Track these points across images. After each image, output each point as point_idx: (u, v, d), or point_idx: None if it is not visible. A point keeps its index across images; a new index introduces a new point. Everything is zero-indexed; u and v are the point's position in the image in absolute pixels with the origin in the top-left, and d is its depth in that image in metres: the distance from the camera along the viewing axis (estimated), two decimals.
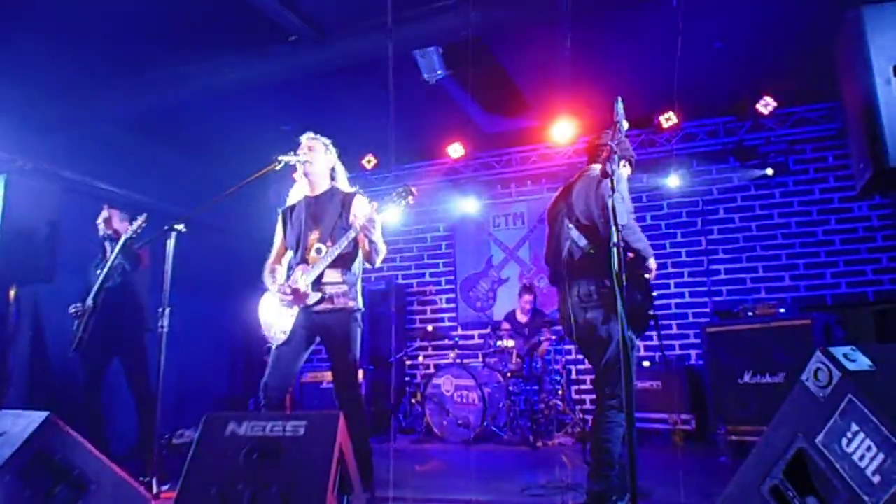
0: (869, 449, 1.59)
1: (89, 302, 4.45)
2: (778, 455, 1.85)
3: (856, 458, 1.62)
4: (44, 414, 2.70)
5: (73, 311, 4.54)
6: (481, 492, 3.67)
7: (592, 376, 7.15)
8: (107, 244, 4.70)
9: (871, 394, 1.62)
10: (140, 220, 4.33)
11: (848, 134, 3.53)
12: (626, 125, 2.70)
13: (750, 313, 4.97)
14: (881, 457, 1.55)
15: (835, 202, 6.90)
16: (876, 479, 1.56)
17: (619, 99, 2.65)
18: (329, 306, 3.41)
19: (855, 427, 1.63)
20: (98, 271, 4.53)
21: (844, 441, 1.65)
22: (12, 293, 5.11)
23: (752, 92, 6.62)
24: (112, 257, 4.43)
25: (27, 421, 2.70)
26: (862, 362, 1.70)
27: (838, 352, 1.73)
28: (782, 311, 4.87)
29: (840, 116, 6.58)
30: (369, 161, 7.66)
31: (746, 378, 4.68)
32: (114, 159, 6.67)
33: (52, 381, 5.70)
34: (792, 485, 1.81)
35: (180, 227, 3.54)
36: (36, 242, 4.92)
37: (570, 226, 3.19)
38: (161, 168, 7.17)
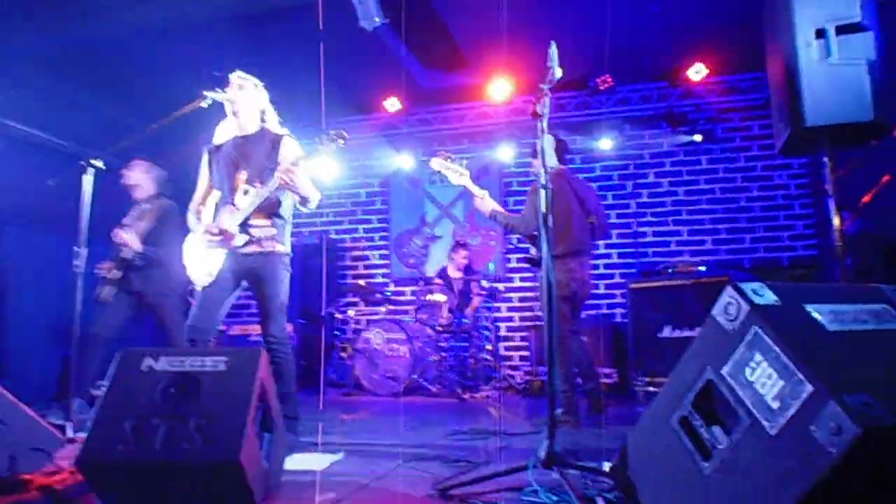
0: (770, 377, 1.67)
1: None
2: (687, 387, 1.93)
3: (758, 386, 1.70)
4: None
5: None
6: (408, 437, 3.71)
7: (522, 333, 7.30)
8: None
9: (775, 326, 1.70)
10: None
11: (771, 95, 3.65)
12: (559, 72, 2.70)
13: (671, 270, 5.16)
14: (781, 383, 1.64)
15: (757, 170, 7.17)
16: (775, 404, 1.65)
17: (553, 44, 2.65)
18: (257, 249, 3.34)
19: (759, 357, 1.71)
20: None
21: (748, 371, 1.74)
22: None
23: (685, 59, 6.77)
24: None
25: None
26: (769, 297, 1.79)
27: (747, 287, 1.81)
28: (702, 268, 5.07)
29: (766, 87, 6.81)
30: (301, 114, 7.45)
31: (666, 332, 4.88)
32: (30, 101, 6.27)
33: None
34: (700, 415, 1.89)
35: (98, 163, 3.38)
36: None
37: (588, 212, 4.26)
38: (82, 112, 6.79)
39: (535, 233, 3.99)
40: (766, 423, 1.67)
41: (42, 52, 5.77)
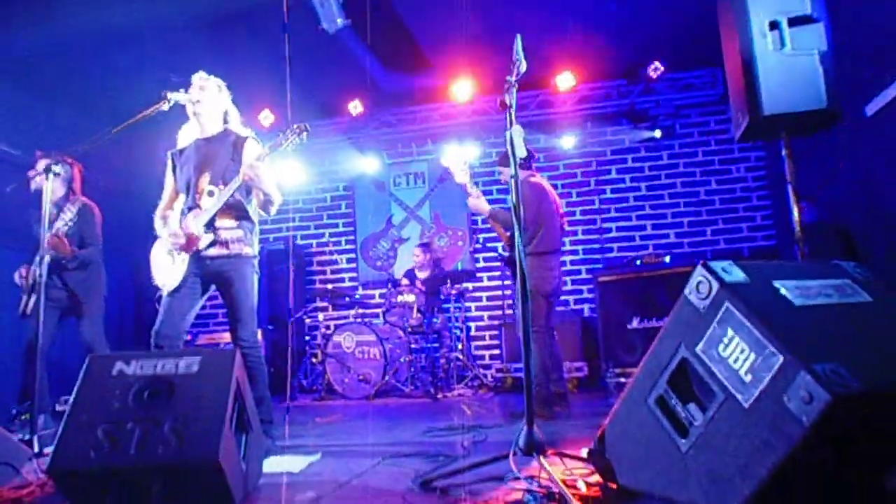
0: (742, 351, 1.72)
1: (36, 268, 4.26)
2: (662, 367, 1.97)
3: (731, 360, 1.74)
4: None
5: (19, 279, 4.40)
6: (385, 437, 3.70)
7: (492, 332, 7.34)
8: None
9: (746, 301, 1.75)
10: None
11: (728, 87, 3.75)
12: (524, 65, 2.73)
13: (638, 262, 5.25)
14: (752, 356, 1.68)
15: (715, 164, 7.34)
16: (748, 377, 1.69)
17: (519, 37, 2.68)
18: (224, 251, 3.29)
19: (731, 332, 1.76)
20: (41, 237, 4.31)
21: (721, 346, 1.78)
22: None
23: (644, 56, 6.89)
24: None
25: None
26: (738, 275, 1.83)
27: (717, 266, 1.85)
28: (667, 259, 5.17)
29: (722, 82, 6.98)
30: (266, 117, 7.40)
31: (635, 323, 4.96)
32: None
33: None
34: (675, 393, 1.93)
35: (58, 168, 3.30)
36: None
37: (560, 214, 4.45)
38: (37, 120, 6.61)
39: (529, 229, 4.23)
40: (739, 397, 1.71)
41: None
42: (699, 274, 1.87)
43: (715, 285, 1.82)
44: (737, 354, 1.73)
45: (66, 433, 2.04)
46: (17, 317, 4.53)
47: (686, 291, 1.91)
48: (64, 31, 5.13)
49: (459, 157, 4.28)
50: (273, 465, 2.90)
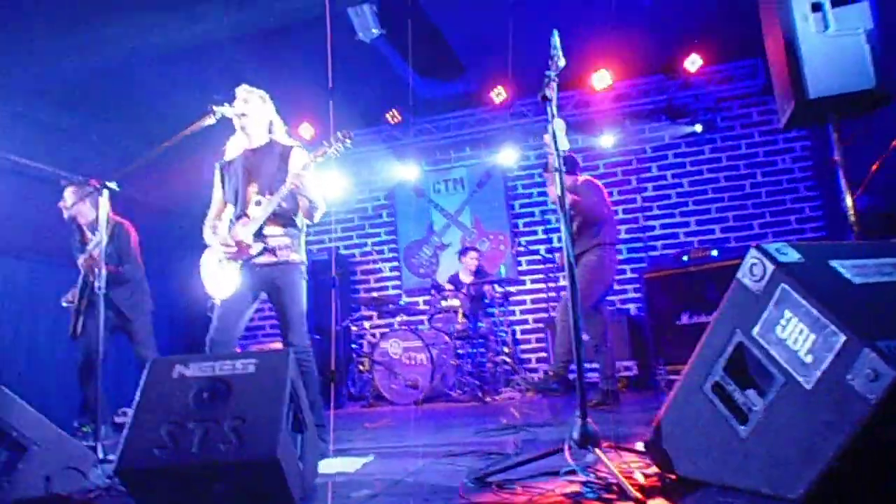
0: (801, 332, 1.68)
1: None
2: (718, 352, 1.94)
3: (790, 342, 1.71)
4: None
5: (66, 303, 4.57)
6: (436, 438, 3.71)
7: (538, 334, 7.33)
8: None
9: (802, 281, 1.71)
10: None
11: (771, 75, 3.68)
12: (562, 60, 2.73)
13: (684, 258, 5.17)
14: (812, 337, 1.65)
15: (760, 156, 7.19)
16: (808, 358, 1.65)
17: (555, 31, 2.69)
18: (272, 259, 3.36)
19: (788, 314, 1.72)
20: (80, 257, 4.46)
21: (779, 328, 1.74)
22: None
23: (680, 50, 6.81)
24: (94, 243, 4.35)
25: None
26: (792, 255, 1.80)
27: (771, 247, 1.82)
28: (714, 253, 5.08)
29: (763, 73, 6.85)
30: (306, 129, 7.53)
31: (684, 319, 4.88)
32: (36, 134, 6.35)
33: None
34: (732, 379, 1.90)
35: (112, 185, 3.42)
36: None
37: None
38: (85, 142, 6.87)
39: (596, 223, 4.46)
40: (801, 379, 1.68)
41: (45, 86, 5.84)
42: (752, 256, 1.84)
43: (769, 267, 1.79)
44: (795, 336, 1.70)
45: (132, 434, 2.11)
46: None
47: (739, 275, 1.88)
48: (110, 52, 5.33)
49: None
50: (327, 466, 2.94)
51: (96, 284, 3.38)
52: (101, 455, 3.22)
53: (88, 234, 4.61)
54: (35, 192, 5.56)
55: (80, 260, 4.50)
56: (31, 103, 6.27)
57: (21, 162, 6.08)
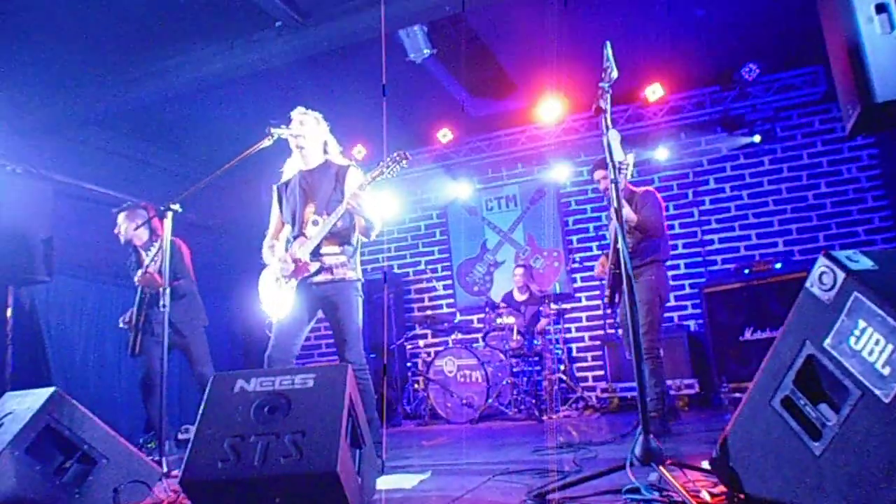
0: (877, 343, 1.60)
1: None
2: (787, 366, 1.87)
3: (865, 353, 1.63)
4: (50, 390, 2.69)
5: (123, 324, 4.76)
6: (494, 456, 3.67)
7: (594, 352, 7.22)
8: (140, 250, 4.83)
9: (877, 289, 1.64)
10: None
11: (835, 80, 3.56)
12: (615, 72, 2.71)
13: (746, 270, 5.01)
14: (890, 347, 1.57)
15: (823, 166, 6.95)
16: (886, 370, 1.57)
17: (608, 43, 2.67)
18: (329, 277, 3.41)
19: (862, 323, 1.64)
20: (137, 273, 4.68)
21: (853, 339, 1.67)
22: (9, 296, 5.07)
23: (735, 60, 6.67)
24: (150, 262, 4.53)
25: (33, 399, 2.69)
26: (865, 262, 1.72)
27: (841, 255, 1.75)
28: (778, 266, 4.91)
29: (824, 80, 6.64)
30: (359, 151, 7.66)
31: (748, 334, 4.71)
32: (101, 161, 6.66)
33: (52, 382, 5.68)
34: (803, 393, 1.82)
35: (176, 206, 3.53)
36: (31, 244, 4.87)
37: None
38: (148, 167, 7.16)
39: (656, 236, 4.23)
40: (878, 392, 1.59)
41: (110, 115, 6.11)
42: (821, 264, 1.77)
43: (840, 275, 1.71)
44: (871, 346, 1.62)
45: (197, 446, 2.16)
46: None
47: (808, 284, 1.81)
48: (171, 82, 5.54)
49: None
50: (385, 483, 2.94)
51: (160, 302, 3.48)
52: (165, 469, 3.30)
53: (144, 254, 4.78)
54: (103, 217, 5.81)
55: (137, 277, 4.66)
56: (97, 132, 6.60)
57: (89, 188, 6.37)
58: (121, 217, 4.83)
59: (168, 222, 3.53)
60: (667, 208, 7.25)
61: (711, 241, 7.20)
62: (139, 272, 4.66)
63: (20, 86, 5.67)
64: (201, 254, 5.03)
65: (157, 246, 4.63)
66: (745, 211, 7.13)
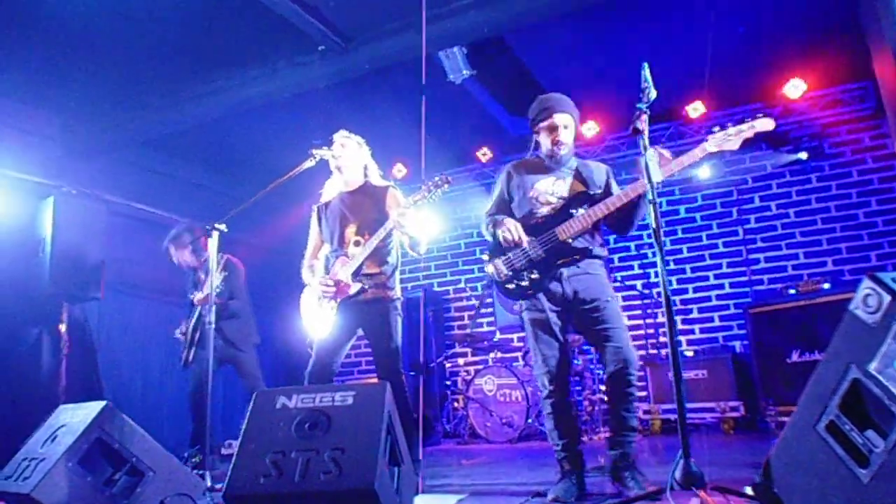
0: None
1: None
2: (831, 390, 1.83)
3: None
4: (101, 403, 2.78)
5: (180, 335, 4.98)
6: (532, 476, 3.65)
7: (638, 373, 7.10)
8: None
9: None
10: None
11: (883, 98, 3.50)
12: (654, 92, 2.71)
13: (793, 291, 4.89)
14: None
15: (874, 183, 6.75)
16: None
17: (646, 65, 2.68)
18: (369, 296, 3.46)
19: None
20: (192, 296, 4.89)
21: None
22: (64, 312, 5.26)
23: (779, 76, 6.57)
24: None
25: (86, 412, 2.79)
26: None
27: (887, 277, 1.71)
28: (826, 286, 4.78)
29: (874, 95, 6.48)
30: (399, 170, 7.75)
31: (795, 357, 4.59)
32: (151, 181, 6.88)
33: (103, 396, 5.86)
34: (849, 418, 1.78)
35: (222, 226, 3.64)
36: (85, 263, 5.05)
37: None
38: (196, 188, 7.37)
39: None
40: None
41: (157, 137, 6.33)
42: (866, 286, 1.73)
43: (886, 297, 1.68)
44: None
45: (239, 461, 2.21)
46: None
47: (852, 307, 1.78)
48: (216, 104, 5.71)
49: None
50: (422, 502, 2.95)
51: (208, 319, 3.58)
52: (209, 483, 3.38)
53: (201, 275, 4.93)
54: (149, 234, 6.01)
55: (196, 298, 4.81)
56: (145, 153, 6.82)
57: (137, 207, 6.59)
58: (171, 249, 5.03)
59: (214, 242, 3.64)
60: (710, 227, 7.19)
61: (757, 261, 7.04)
62: (198, 294, 4.82)
63: (73, 110, 5.93)
64: (248, 272, 5.16)
65: (220, 266, 4.81)
66: (792, 229, 6.97)
